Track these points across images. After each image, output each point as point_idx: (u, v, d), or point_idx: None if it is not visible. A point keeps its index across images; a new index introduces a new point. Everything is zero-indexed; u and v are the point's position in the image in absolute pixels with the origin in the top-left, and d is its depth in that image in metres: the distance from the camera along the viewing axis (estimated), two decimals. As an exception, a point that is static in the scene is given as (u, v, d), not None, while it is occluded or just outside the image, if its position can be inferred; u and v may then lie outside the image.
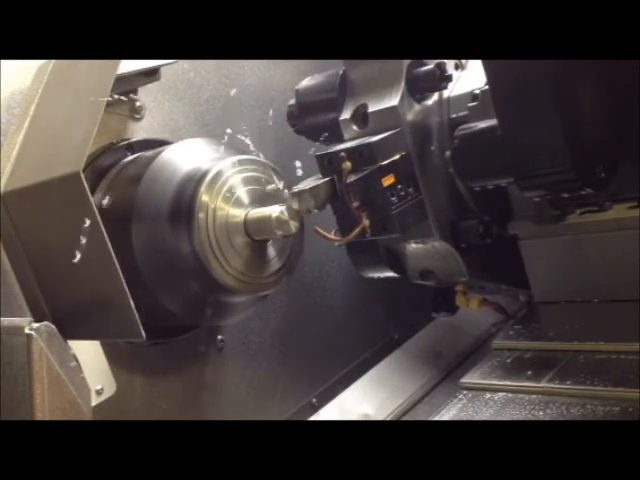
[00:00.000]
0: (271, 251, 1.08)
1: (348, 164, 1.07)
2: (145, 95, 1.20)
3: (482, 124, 1.10)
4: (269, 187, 1.09)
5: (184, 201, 1.02)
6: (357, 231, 1.07)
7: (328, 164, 1.09)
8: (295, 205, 1.03)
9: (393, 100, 1.16)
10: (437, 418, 1.17)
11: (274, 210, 1.03)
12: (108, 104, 0.87)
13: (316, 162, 1.11)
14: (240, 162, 1.07)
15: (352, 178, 1.06)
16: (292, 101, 1.31)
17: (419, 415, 1.42)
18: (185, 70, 1.26)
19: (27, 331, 0.77)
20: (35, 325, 0.77)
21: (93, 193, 1.09)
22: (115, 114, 1.15)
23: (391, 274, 1.34)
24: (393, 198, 1.09)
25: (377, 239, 1.23)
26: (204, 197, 1.01)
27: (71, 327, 0.82)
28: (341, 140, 1.21)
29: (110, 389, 1.05)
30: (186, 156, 1.08)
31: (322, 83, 1.27)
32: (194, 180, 1.03)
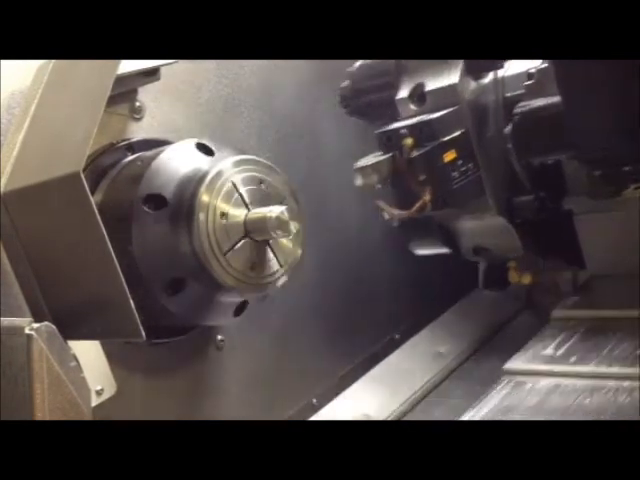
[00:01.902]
0: (271, 251, 1.08)
1: (409, 140, 1.11)
2: (145, 95, 1.20)
3: (540, 101, 1.13)
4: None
5: (184, 201, 1.02)
6: (418, 206, 1.09)
7: (388, 141, 1.13)
8: (358, 181, 1.06)
9: (453, 78, 1.20)
10: (478, 407, 1.14)
11: (274, 210, 1.03)
12: (108, 104, 0.87)
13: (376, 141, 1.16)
14: (240, 162, 1.07)
15: (414, 154, 1.08)
16: (345, 83, 1.33)
17: (420, 415, 1.42)
18: (185, 70, 1.26)
19: (27, 331, 0.76)
20: (35, 325, 0.77)
21: (93, 193, 1.08)
22: (115, 114, 1.15)
23: (444, 250, 1.37)
24: (454, 173, 1.13)
25: (433, 215, 1.27)
26: (204, 197, 1.01)
27: (71, 327, 0.82)
28: (394, 119, 1.24)
29: (110, 389, 1.05)
30: (186, 156, 1.08)
31: (378, 63, 1.29)
32: (194, 180, 1.03)
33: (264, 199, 1.07)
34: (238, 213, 1.04)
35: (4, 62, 1.00)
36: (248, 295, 1.09)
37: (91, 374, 0.95)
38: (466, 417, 1.11)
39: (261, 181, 1.08)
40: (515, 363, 1.26)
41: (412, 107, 1.25)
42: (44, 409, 0.75)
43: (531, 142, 1.17)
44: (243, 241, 1.04)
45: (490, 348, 1.62)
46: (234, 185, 1.04)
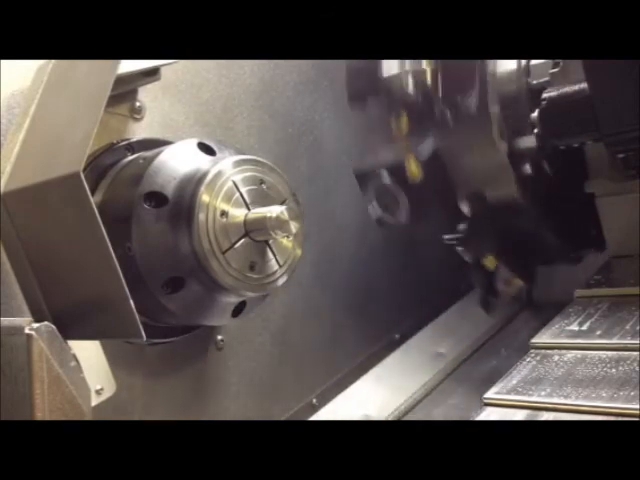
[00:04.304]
0: (271, 251, 1.08)
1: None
2: (145, 95, 1.20)
3: (567, 87, 1.19)
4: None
5: (184, 200, 1.02)
6: None
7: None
8: None
9: None
10: (507, 379, 1.16)
11: (274, 210, 1.03)
12: (108, 104, 0.87)
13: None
14: (241, 162, 1.07)
15: None
16: None
17: (420, 415, 1.42)
18: (185, 70, 1.26)
19: (27, 331, 0.77)
20: (35, 325, 0.77)
21: (93, 193, 1.08)
22: (115, 114, 1.15)
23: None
24: None
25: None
26: (204, 197, 1.01)
27: (71, 327, 0.82)
28: None
29: (110, 389, 1.05)
30: (187, 155, 1.08)
31: None
32: (195, 179, 1.03)
33: (264, 199, 1.07)
34: (238, 213, 1.04)
35: (4, 62, 1.00)
36: (247, 295, 1.09)
37: (91, 374, 0.95)
38: (496, 389, 1.14)
39: (262, 181, 1.08)
40: (541, 338, 1.28)
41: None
42: (44, 409, 0.75)
43: (558, 126, 1.21)
44: (243, 240, 1.04)
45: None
46: (235, 185, 1.04)
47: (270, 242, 1.07)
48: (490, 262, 1.43)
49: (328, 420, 1.38)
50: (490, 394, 1.12)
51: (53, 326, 0.79)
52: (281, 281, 1.10)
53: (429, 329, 1.66)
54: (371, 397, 1.46)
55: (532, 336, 1.33)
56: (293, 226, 1.04)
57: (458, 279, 1.80)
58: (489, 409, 1.09)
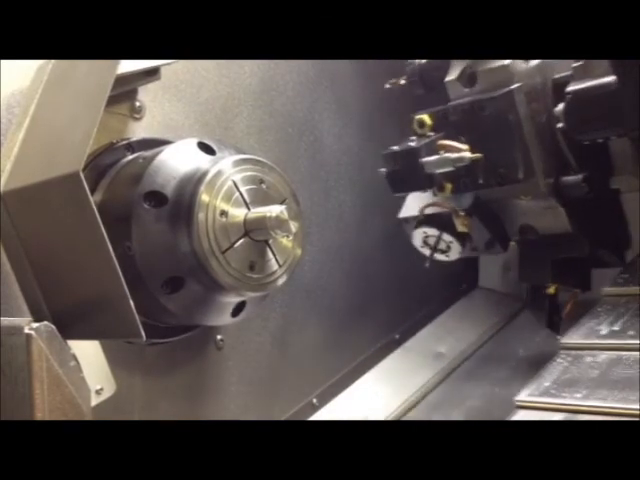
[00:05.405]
0: (271, 251, 1.08)
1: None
2: (145, 95, 1.20)
3: (592, 81, 1.15)
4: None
5: (184, 199, 1.02)
6: None
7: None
8: None
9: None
10: (539, 381, 1.13)
11: (274, 210, 1.03)
12: (108, 104, 0.87)
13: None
14: (241, 161, 1.07)
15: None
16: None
17: (420, 415, 1.42)
18: (185, 70, 1.26)
19: (27, 331, 0.76)
20: (35, 325, 0.77)
21: (93, 193, 1.08)
22: (115, 114, 1.15)
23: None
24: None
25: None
26: (204, 197, 1.01)
27: (71, 327, 0.82)
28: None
29: (110, 389, 1.05)
30: (187, 155, 1.08)
31: None
32: (194, 178, 1.03)
33: (264, 199, 1.07)
34: (238, 212, 1.04)
35: (4, 62, 1.00)
36: (247, 295, 1.09)
37: (91, 374, 0.95)
38: (528, 391, 1.11)
39: (261, 181, 1.08)
40: (572, 338, 1.24)
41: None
42: (44, 409, 0.75)
43: (583, 121, 1.18)
44: (242, 240, 1.04)
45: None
46: (235, 184, 1.04)
47: (270, 242, 1.07)
48: (551, 288, 1.42)
49: (328, 420, 1.38)
50: (523, 396, 1.09)
51: (53, 326, 0.79)
52: (281, 281, 1.10)
53: (429, 329, 1.67)
54: (371, 397, 1.46)
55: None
56: (293, 226, 1.04)
57: (458, 279, 1.80)
58: (522, 412, 1.06)
